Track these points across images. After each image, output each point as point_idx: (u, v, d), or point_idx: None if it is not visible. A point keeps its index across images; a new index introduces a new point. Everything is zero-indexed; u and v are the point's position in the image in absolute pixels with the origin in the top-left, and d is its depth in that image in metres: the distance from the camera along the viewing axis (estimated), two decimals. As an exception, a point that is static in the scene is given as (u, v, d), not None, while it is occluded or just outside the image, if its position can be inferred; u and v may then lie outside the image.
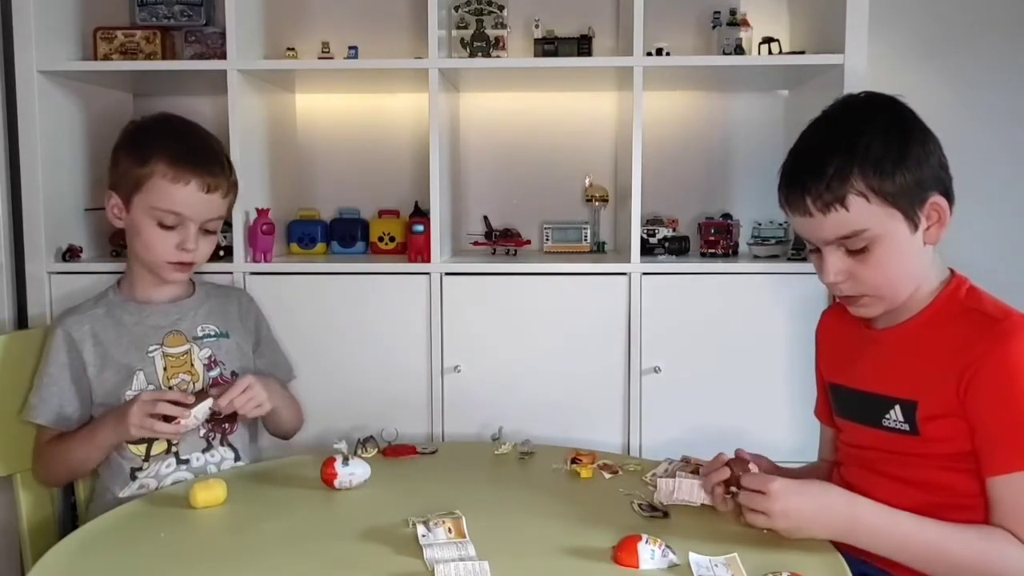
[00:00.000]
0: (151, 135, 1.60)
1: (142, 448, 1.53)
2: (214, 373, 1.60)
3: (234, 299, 1.72)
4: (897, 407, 1.25)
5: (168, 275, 1.58)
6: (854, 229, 1.22)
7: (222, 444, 1.59)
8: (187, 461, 1.55)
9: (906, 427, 1.24)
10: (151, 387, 1.54)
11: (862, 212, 1.21)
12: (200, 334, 1.61)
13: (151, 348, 1.57)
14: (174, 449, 1.54)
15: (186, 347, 1.59)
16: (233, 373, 1.62)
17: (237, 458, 1.60)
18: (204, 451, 1.57)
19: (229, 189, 1.61)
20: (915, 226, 1.22)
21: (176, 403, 1.44)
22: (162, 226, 1.54)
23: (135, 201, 1.55)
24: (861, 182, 1.20)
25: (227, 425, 1.59)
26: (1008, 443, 1.15)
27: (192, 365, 1.58)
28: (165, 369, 1.56)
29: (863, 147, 1.21)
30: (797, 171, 1.27)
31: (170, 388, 1.55)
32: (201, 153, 1.57)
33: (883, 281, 1.25)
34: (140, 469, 1.53)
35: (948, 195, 1.25)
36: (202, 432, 1.56)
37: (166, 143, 1.56)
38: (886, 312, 1.30)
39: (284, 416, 1.67)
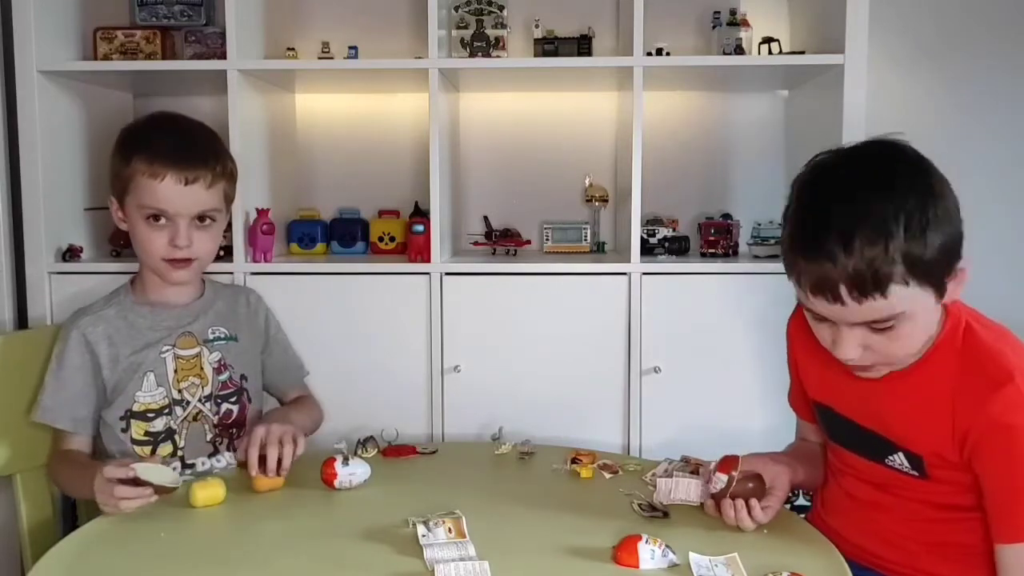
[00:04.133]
0: (135, 134, 1.58)
1: (147, 450, 1.52)
2: (223, 377, 1.59)
3: (242, 298, 1.71)
4: (901, 454, 1.22)
5: (168, 275, 1.56)
6: (891, 313, 1.11)
7: (228, 449, 1.59)
8: (192, 465, 1.55)
9: (914, 473, 1.22)
10: (160, 389, 1.53)
11: (900, 297, 1.09)
12: (211, 337, 1.60)
13: (163, 349, 1.55)
14: (179, 453, 1.54)
15: (197, 350, 1.58)
16: (242, 376, 1.61)
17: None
18: (210, 456, 1.57)
19: (214, 180, 1.54)
20: (941, 297, 1.13)
21: (136, 481, 1.27)
22: (151, 224, 1.52)
23: (126, 202, 1.54)
24: (902, 265, 1.07)
25: (234, 431, 1.59)
26: (1016, 514, 1.13)
27: (202, 368, 1.57)
28: (176, 371, 1.55)
29: (895, 221, 1.07)
30: (826, 252, 1.09)
31: (179, 391, 1.54)
32: (178, 146, 1.53)
33: (903, 352, 1.18)
34: None
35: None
36: (208, 437, 1.56)
37: (145, 140, 1.54)
38: None
39: (308, 432, 1.63)
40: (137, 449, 1.52)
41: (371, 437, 1.55)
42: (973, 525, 1.18)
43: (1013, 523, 1.12)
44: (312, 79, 2.03)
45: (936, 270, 1.10)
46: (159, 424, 1.52)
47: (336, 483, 1.36)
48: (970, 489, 1.17)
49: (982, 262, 1.33)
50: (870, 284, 1.08)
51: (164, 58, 1.95)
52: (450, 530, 1.16)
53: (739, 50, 1.93)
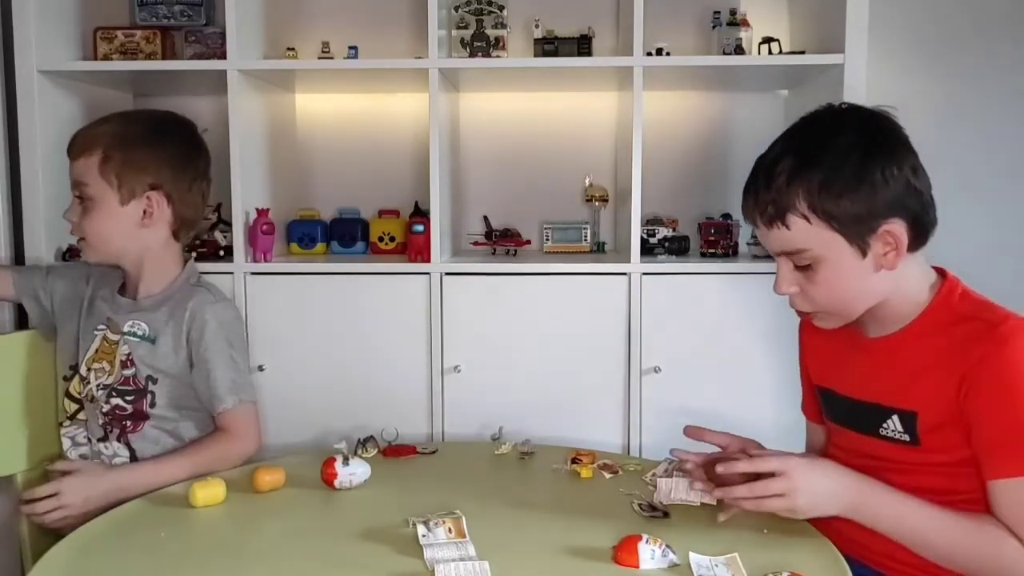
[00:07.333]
0: None
1: (74, 406, 1.60)
2: (129, 372, 1.55)
3: (189, 305, 1.58)
4: (895, 417, 1.23)
5: None
6: (796, 247, 1.21)
7: (118, 440, 1.55)
8: (86, 443, 1.58)
9: (906, 437, 1.23)
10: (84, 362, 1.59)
11: (802, 232, 1.20)
12: (126, 330, 1.57)
13: (99, 327, 1.60)
14: (85, 419, 1.58)
15: (117, 338, 1.58)
16: (149, 378, 1.55)
17: (133, 458, 1.54)
18: (100, 440, 1.56)
19: (86, 154, 1.55)
20: (863, 253, 1.19)
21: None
22: None
23: None
24: (804, 202, 1.18)
25: (128, 423, 1.55)
26: (1008, 447, 1.14)
27: (114, 357, 1.57)
28: (96, 351, 1.58)
29: (816, 165, 1.18)
30: (751, 177, 1.27)
31: (90, 370, 1.57)
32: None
33: (832, 300, 1.24)
34: (64, 424, 1.61)
35: (919, 220, 1.19)
36: (100, 421, 1.55)
37: None
38: (872, 321, 1.27)
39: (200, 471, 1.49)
40: (67, 403, 1.60)
41: (371, 437, 1.55)
42: (962, 496, 1.18)
43: (1007, 456, 1.14)
44: (312, 79, 2.03)
45: (845, 220, 1.17)
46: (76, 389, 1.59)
47: (336, 483, 1.36)
48: (962, 464, 1.18)
49: (984, 260, 1.33)
50: (772, 212, 1.22)
51: (164, 58, 1.95)
52: (450, 530, 1.16)
53: (739, 50, 1.93)
